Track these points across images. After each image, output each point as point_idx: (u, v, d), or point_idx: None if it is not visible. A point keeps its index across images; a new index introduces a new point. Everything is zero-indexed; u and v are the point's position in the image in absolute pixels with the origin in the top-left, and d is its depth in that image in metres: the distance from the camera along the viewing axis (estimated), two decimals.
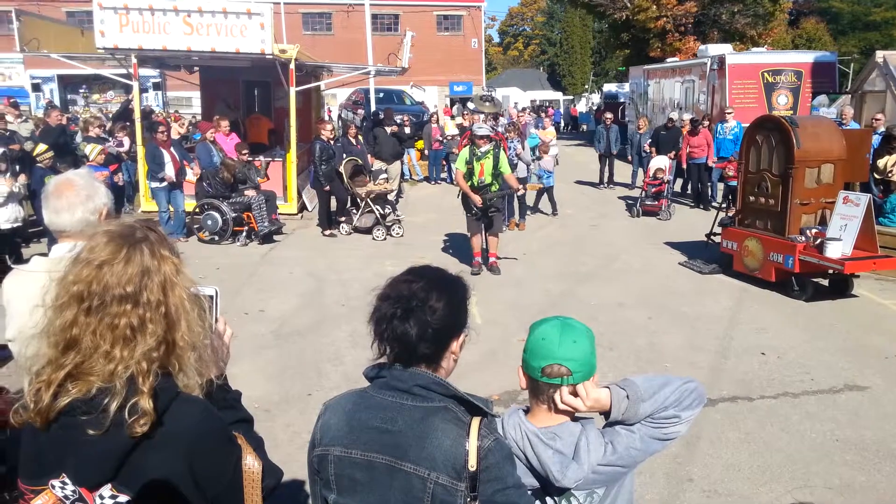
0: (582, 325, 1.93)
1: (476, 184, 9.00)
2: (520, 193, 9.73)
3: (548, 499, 1.86)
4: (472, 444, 1.58)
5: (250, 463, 1.69)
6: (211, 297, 1.79)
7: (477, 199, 8.91)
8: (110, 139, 12.90)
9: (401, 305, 1.66)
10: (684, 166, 14.62)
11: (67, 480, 1.48)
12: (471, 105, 22.82)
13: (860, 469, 4.52)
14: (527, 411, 1.93)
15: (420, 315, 1.65)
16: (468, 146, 9.19)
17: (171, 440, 1.50)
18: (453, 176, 9.78)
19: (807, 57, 19.27)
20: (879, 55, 13.57)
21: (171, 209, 11.18)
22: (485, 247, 9.43)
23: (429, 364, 1.70)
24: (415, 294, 1.67)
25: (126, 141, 12.98)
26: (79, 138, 13.02)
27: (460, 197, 9.32)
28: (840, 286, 8.26)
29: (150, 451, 1.48)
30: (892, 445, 4.80)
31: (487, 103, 13.70)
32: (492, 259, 9.37)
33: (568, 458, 1.80)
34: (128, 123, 13.51)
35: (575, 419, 1.89)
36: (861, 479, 4.40)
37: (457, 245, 10.69)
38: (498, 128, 13.14)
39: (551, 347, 1.85)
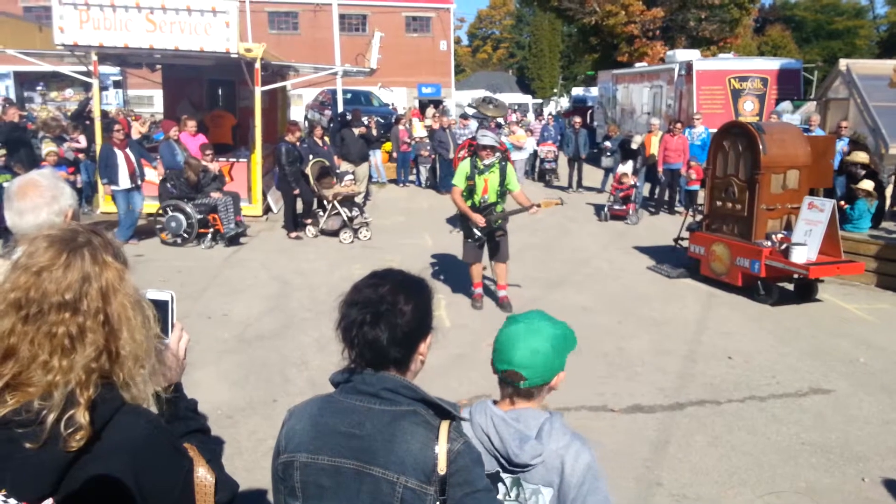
0: (551, 328, 1.95)
1: (477, 203, 7.59)
2: (534, 213, 7.70)
3: (500, 485, 1.89)
4: (442, 448, 1.56)
5: (202, 475, 1.62)
6: (166, 302, 1.72)
7: (479, 219, 7.50)
8: (68, 138, 12.59)
9: (369, 310, 1.64)
10: (660, 169, 14.11)
11: (9, 495, 1.39)
12: (469, 109, 21.61)
13: (825, 471, 4.55)
14: (495, 402, 2.01)
15: (390, 318, 1.63)
16: (469, 157, 7.70)
17: (114, 453, 1.43)
18: (450, 192, 8.09)
19: (773, 64, 19.51)
20: (843, 64, 13.81)
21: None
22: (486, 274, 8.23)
23: (398, 367, 1.67)
24: (383, 298, 1.65)
25: (83, 139, 12.64)
26: (41, 135, 12.68)
27: (458, 219, 7.99)
28: (805, 291, 8.36)
29: (91, 464, 1.40)
30: (856, 448, 4.84)
31: (491, 105, 12.63)
32: (502, 293, 7.91)
33: (528, 436, 1.85)
34: (87, 122, 13.18)
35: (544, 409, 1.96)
36: (826, 482, 4.43)
37: (447, 267, 9.51)
38: (500, 136, 12.01)
39: (510, 353, 1.91)
